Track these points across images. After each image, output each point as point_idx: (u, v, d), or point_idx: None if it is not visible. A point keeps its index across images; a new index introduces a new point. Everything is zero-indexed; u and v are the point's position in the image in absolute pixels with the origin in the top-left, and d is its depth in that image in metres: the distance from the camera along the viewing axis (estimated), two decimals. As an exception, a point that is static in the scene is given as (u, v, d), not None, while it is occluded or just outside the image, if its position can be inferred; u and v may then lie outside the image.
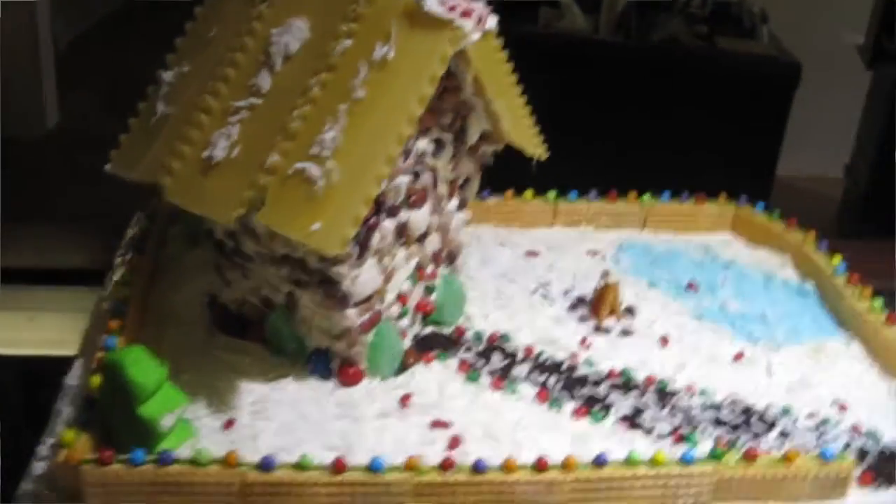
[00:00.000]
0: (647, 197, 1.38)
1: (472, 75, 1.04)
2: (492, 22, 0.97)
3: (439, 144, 1.06)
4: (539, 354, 1.11)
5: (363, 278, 1.00)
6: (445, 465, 0.88)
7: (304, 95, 0.95)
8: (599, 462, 0.91)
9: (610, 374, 1.09)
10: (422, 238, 1.08)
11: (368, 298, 1.02)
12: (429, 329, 1.14)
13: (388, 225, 1.01)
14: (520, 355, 1.11)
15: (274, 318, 1.06)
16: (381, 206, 0.98)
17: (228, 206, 0.94)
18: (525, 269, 1.28)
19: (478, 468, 0.89)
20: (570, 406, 1.04)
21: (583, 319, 1.19)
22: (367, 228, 0.97)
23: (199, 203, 0.96)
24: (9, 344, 1.83)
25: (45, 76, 3.15)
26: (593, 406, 1.04)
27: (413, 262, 1.08)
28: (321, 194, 0.91)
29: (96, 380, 0.94)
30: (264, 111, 0.97)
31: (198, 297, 1.15)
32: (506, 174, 1.25)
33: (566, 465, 0.90)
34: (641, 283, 1.27)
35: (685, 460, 0.92)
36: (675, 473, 0.91)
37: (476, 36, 0.95)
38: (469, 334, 1.14)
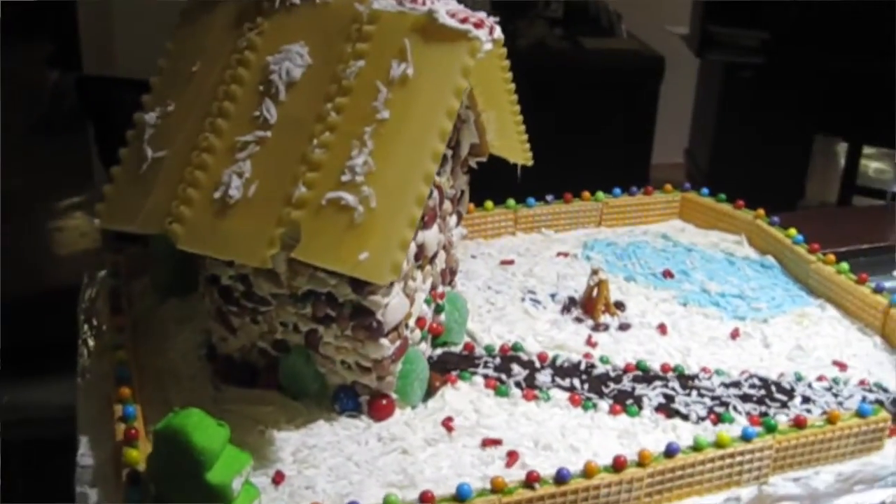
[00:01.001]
0: (600, 194, 1.42)
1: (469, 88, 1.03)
2: (498, 31, 0.97)
3: (442, 161, 1.04)
4: (555, 359, 1.11)
5: (393, 305, 0.97)
6: (531, 480, 0.87)
7: (321, 122, 0.92)
8: (671, 452, 0.92)
9: (627, 369, 1.11)
10: (433, 258, 1.06)
11: (397, 326, 0.99)
12: (439, 350, 1.12)
13: (411, 247, 0.99)
14: (537, 363, 1.11)
15: (292, 360, 1.01)
16: (404, 229, 0.96)
17: (258, 247, 0.89)
18: (506, 278, 1.28)
19: (562, 477, 0.88)
20: (603, 404, 1.04)
21: (579, 320, 1.20)
22: (396, 253, 0.95)
23: (223, 247, 0.91)
24: None
25: None
26: (626, 401, 1.05)
27: (428, 283, 1.06)
28: (362, 222, 0.88)
29: (134, 453, 0.88)
30: (277, 143, 0.93)
31: (192, 351, 1.09)
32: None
33: (642, 461, 0.91)
34: (618, 278, 1.29)
35: (746, 437, 0.95)
36: (740, 450, 0.94)
37: (489, 46, 0.94)
38: (479, 349, 1.13)
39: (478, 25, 0.93)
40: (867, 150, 3.45)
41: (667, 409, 1.04)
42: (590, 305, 1.21)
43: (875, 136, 3.33)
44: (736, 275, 1.31)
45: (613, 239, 1.39)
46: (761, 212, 1.39)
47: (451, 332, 1.13)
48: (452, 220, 1.11)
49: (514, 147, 1.15)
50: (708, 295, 1.27)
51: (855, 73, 3.16)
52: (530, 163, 1.16)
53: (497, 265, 1.31)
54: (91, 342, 1.12)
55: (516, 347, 1.13)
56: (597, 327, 1.19)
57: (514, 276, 1.28)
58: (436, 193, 1.03)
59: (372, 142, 0.90)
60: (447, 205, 1.08)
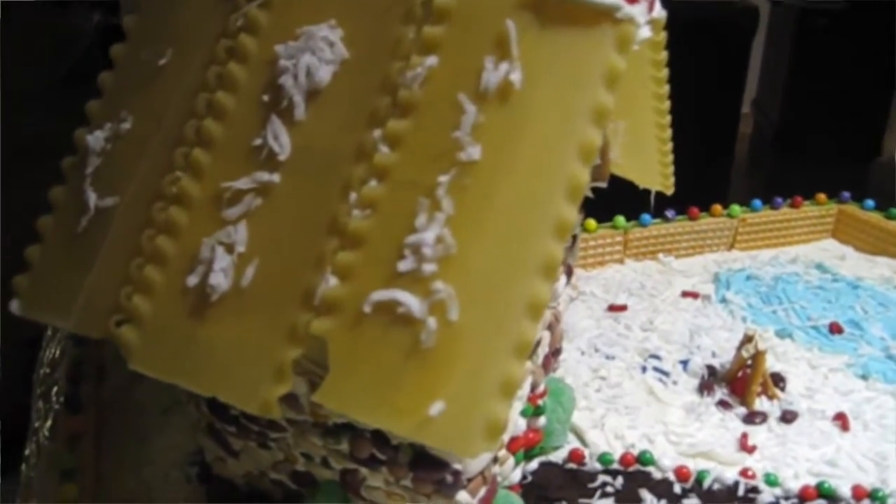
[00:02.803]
0: (735, 208, 0.98)
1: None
2: (659, 8, 0.53)
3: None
4: (700, 478, 0.70)
5: (478, 444, 0.55)
6: None
7: (363, 162, 0.49)
8: None
9: (805, 495, 0.69)
10: (535, 348, 0.64)
11: (483, 470, 0.58)
12: (534, 463, 0.71)
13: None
14: (676, 486, 0.69)
15: (323, 498, 0.61)
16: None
17: (256, 380, 0.48)
18: (617, 333, 0.85)
19: None
20: (784, 567, 0.63)
21: (725, 404, 0.78)
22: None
23: (199, 375, 0.49)
24: None
25: None
26: (816, 561, 0.64)
27: (527, 387, 0.64)
28: (432, 345, 0.46)
29: None
30: (290, 196, 0.50)
31: (179, 464, 0.69)
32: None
33: None
34: (768, 332, 0.87)
35: None
36: None
37: (647, 33, 0.51)
38: (592, 461, 0.72)
39: (632, -2, 0.50)
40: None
41: (881, 579, 0.63)
42: (739, 383, 0.79)
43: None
44: (924, 328, 0.88)
45: (754, 269, 0.95)
46: (952, 236, 0.95)
47: (551, 435, 0.71)
48: (561, 283, 0.68)
49: (649, 168, 0.71)
50: (894, 363, 0.84)
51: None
52: (671, 191, 0.73)
53: (604, 312, 0.89)
54: (44, 437, 0.73)
55: (644, 460, 0.71)
56: (751, 417, 0.77)
57: (629, 331, 0.86)
58: (541, 255, 0.61)
59: (451, 200, 0.47)
60: (555, 265, 0.65)
